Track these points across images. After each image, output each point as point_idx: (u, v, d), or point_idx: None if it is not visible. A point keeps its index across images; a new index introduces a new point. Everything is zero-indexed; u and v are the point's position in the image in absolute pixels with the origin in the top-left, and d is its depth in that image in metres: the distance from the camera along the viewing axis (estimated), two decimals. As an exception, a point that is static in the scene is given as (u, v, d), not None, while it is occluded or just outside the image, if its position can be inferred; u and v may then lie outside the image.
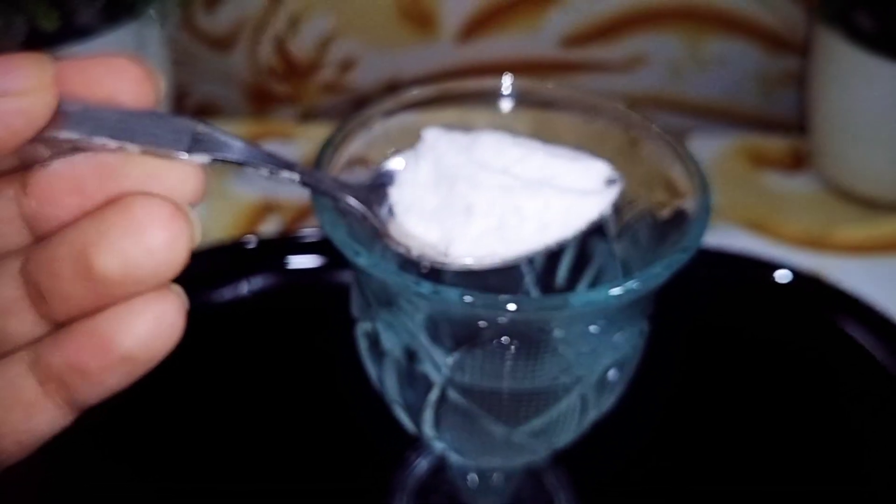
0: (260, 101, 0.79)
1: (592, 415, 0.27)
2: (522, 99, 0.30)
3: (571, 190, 0.23)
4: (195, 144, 0.20)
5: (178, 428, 0.43)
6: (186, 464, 0.41)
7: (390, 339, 0.25)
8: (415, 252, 0.23)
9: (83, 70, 0.19)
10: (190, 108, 0.79)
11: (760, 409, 0.44)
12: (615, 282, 0.21)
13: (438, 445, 0.29)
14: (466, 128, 0.26)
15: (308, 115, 0.79)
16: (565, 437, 0.28)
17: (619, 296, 0.21)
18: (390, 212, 0.24)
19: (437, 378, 0.25)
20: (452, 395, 0.25)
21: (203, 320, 0.49)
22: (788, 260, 0.53)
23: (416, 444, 0.42)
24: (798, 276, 0.50)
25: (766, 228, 0.59)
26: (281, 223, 0.60)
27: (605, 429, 0.36)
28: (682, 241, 0.24)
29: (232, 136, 0.21)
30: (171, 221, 0.18)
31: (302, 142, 0.69)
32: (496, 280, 0.32)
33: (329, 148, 0.26)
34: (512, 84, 0.30)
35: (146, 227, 0.18)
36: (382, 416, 0.30)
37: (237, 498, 0.40)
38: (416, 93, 0.29)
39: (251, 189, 0.64)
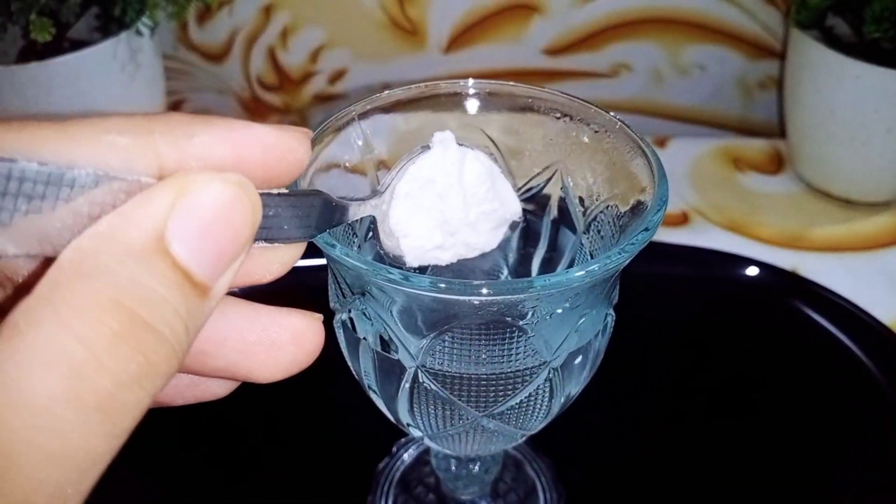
0: (253, 111, 0.80)
1: (561, 400, 0.28)
2: (492, 99, 0.32)
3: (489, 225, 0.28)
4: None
5: (162, 420, 0.44)
6: (170, 456, 0.42)
7: (365, 327, 0.26)
8: (398, 250, 0.25)
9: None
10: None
11: (735, 398, 0.46)
12: (564, 272, 0.22)
13: (416, 433, 0.30)
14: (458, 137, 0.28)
15: (300, 125, 0.80)
16: (535, 422, 0.29)
17: (580, 277, 0.23)
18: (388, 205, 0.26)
19: (409, 364, 0.26)
20: (424, 380, 0.26)
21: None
22: (766, 258, 0.54)
23: (400, 436, 0.43)
24: (770, 270, 0.52)
25: (745, 228, 0.60)
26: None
27: (584, 418, 0.37)
28: (638, 227, 0.26)
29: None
30: None
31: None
32: (473, 276, 0.33)
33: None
34: (482, 85, 0.31)
35: None
36: (367, 410, 0.32)
37: (223, 488, 0.41)
38: (386, 94, 0.30)
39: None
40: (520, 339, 0.25)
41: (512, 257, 0.34)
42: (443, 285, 0.22)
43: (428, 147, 0.27)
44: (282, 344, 0.21)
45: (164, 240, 0.16)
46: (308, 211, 0.21)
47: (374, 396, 0.29)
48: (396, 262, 0.26)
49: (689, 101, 0.76)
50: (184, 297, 0.16)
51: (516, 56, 0.74)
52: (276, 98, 0.79)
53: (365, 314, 0.26)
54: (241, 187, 0.17)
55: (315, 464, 0.42)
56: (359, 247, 0.31)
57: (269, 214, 0.19)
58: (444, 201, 0.27)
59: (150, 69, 0.61)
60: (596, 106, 0.30)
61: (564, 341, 0.26)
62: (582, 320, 0.26)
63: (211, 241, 0.17)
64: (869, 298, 0.50)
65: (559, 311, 0.25)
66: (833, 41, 0.57)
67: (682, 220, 0.61)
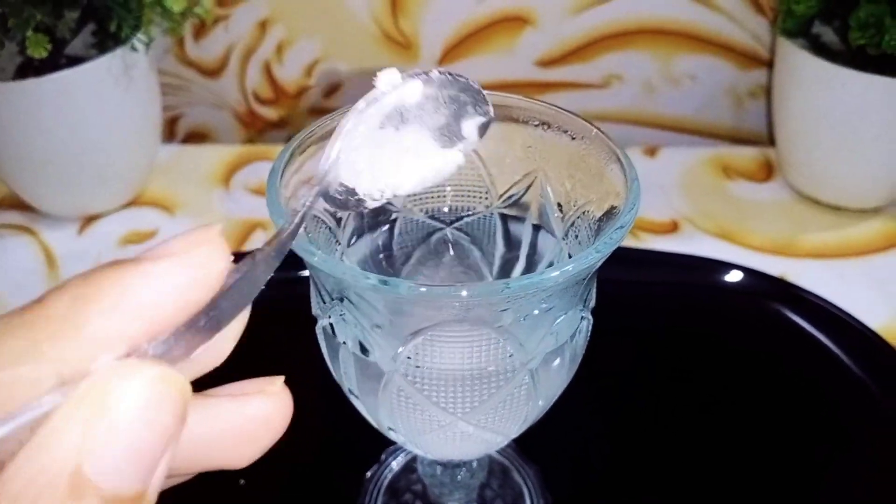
0: (249, 125, 0.81)
1: (539, 403, 0.29)
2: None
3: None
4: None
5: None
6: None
7: (344, 331, 0.27)
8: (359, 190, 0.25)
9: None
10: (182, 132, 0.81)
11: (722, 404, 0.46)
12: (540, 272, 0.23)
13: (397, 437, 0.30)
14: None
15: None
16: (513, 425, 0.29)
17: (554, 277, 0.23)
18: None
19: (388, 367, 0.26)
20: (402, 383, 0.27)
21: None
22: (756, 265, 0.55)
23: (388, 444, 0.43)
24: (757, 275, 0.52)
25: (735, 236, 0.60)
26: (265, 238, 0.62)
27: (571, 424, 0.38)
28: (612, 228, 0.26)
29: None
30: None
31: (287, 162, 0.72)
32: (458, 279, 0.34)
33: (285, 154, 0.28)
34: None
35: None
36: (354, 418, 0.32)
37: (212, 497, 0.41)
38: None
39: (239, 208, 0.66)
40: (496, 341, 0.26)
41: (496, 264, 0.34)
42: (422, 290, 0.22)
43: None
44: (252, 435, 0.20)
45: (82, 475, 0.14)
46: (257, 275, 0.19)
47: (355, 401, 0.30)
48: (359, 206, 0.25)
49: (680, 111, 0.76)
50: None
51: (509, 68, 0.75)
52: (271, 112, 0.80)
53: (344, 319, 0.26)
54: (162, 381, 0.15)
55: (304, 471, 0.42)
56: (342, 253, 0.32)
57: (213, 314, 0.18)
58: (383, 131, 0.25)
59: (145, 84, 0.62)
60: (573, 113, 0.30)
61: (541, 342, 0.26)
62: (558, 321, 0.26)
63: (137, 454, 0.15)
64: (858, 305, 0.51)
65: (535, 312, 0.25)
66: (820, 49, 0.57)
67: (672, 228, 0.62)
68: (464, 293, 0.22)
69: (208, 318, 0.18)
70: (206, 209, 0.66)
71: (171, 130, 0.81)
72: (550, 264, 0.32)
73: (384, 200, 0.25)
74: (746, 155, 0.70)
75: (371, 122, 0.25)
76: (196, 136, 0.82)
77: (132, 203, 0.67)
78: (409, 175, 0.26)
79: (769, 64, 0.72)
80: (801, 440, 0.43)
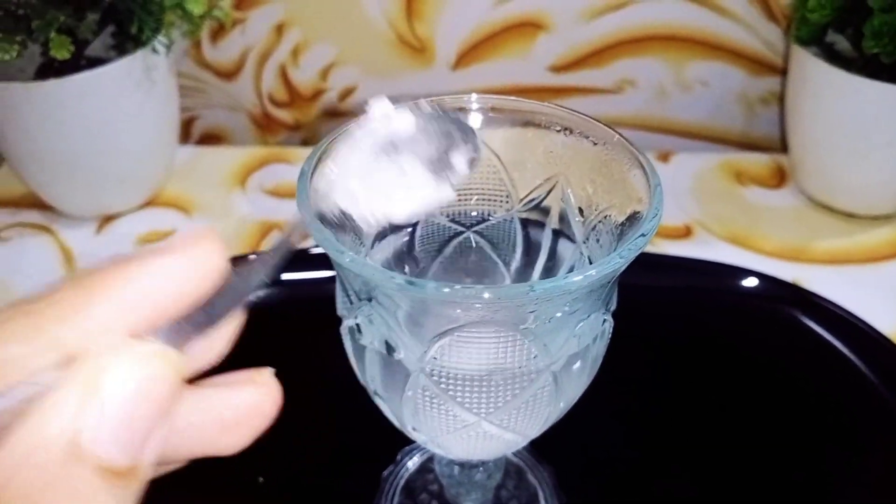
0: (265, 127, 0.82)
1: (560, 405, 0.29)
2: (495, 113, 0.33)
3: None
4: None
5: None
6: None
7: (371, 332, 0.27)
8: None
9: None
10: (198, 134, 0.82)
11: (736, 408, 0.46)
12: (564, 276, 0.23)
13: (419, 437, 0.31)
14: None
15: (310, 141, 0.82)
16: (535, 426, 0.30)
17: (578, 281, 0.23)
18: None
19: (413, 367, 0.27)
20: (427, 383, 0.27)
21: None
22: (769, 271, 0.55)
23: (405, 444, 0.44)
24: (770, 281, 0.52)
25: (748, 241, 0.61)
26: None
27: (586, 426, 0.38)
28: (636, 233, 0.27)
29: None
30: None
31: (301, 164, 0.72)
32: (478, 282, 0.34)
33: (314, 157, 0.29)
34: (485, 100, 0.32)
35: None
36: (372, 417, 0.33)
37: (228, 496, 0.42)
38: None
39: (255, 209, 0.67)
40: (521, 343, 0.26)
41: (514, 266, 0.35)
42: (446, 290, 0.23)
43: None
44: (241, 421, 0.20)
45: (78, 445, 0.15)
46: (252, 279, 0.20)
47: (379, 401, 0.30)
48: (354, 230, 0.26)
49: (692, 117, 0.77)
50: (112, 491, 0.15)
51: (522, 72, 0.75)
52: (286, 114, 0.81)
53: (371, 320, 0.27)
54: (157, 356, 0.16)
55: (321, 471, 0.43)
56: (366, 255, 0.32)
57: (208, 313, 0.19)
58: (377, 159, 0.26)
59: (164, 86, 0.62)
60: (595, 119, 0.31)
61: (564, 345, 0.27)
62: (580, 325, 0.27)
63: (131, 425, 0.16)
64: (870, 311, 0.51)
65: (558, 314, 0.26)
66: (833, 57, 0.58)
67: (685, 233, 0.62)
68: (489, 295, 0.23)
69: (205, 314, 0.19)
70: (223, 210, 0.67)
71: (186, 132, 0.82)
72: (570, 268, 0.33)
73: (378, 227, 0.26)
74: (759, 161, 0.70)
75: (365, 148, 0.26)
76: (211, 138, 0.83)
77: (150, 203, 0.67)
78: (402, 204, 0.26)
79: (781, 71, 0.72)
80: (814, 445, 0.44)
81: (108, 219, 0.66)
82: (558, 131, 0.32)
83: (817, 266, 0.58)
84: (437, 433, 0.30)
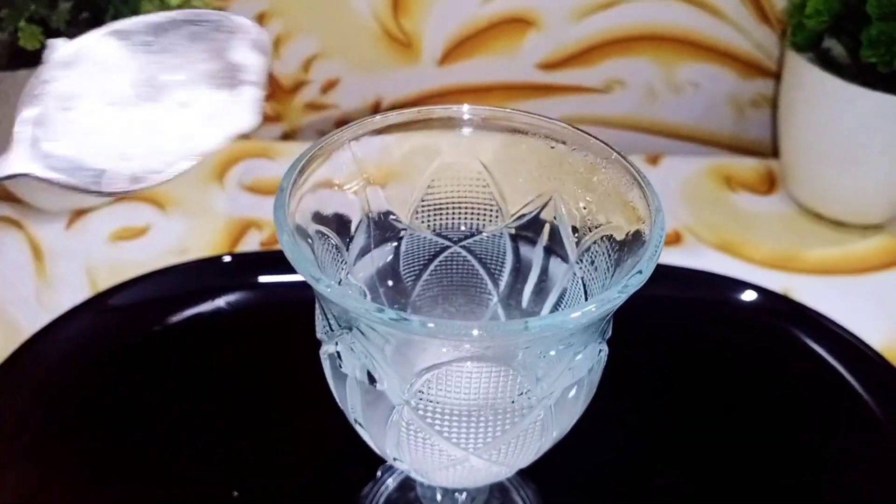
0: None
1: (552, 436, 0.28)
2: (486, 124, 0.31)
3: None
4: None
5: (150, 438, 0.43)
6: (158, 473, 0.42)
7: (351, 361, 0.26)
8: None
9: None
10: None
11: (725, 423, 0.45)
12: (573, 307, 0.22)
13: (402, 466, 0.29)
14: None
15: (291, 135, 0.80)
16: (525, 458, 0.28)
17: (576, 319, 0.22)
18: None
19: (397, 401, 0.25)
20: (412, 417, 0.26)
21: (179, 335, 0.50)
22: (758, 279, 0.54)
23: (384, 461, 0.42)
24: (762, 293, 0.51)
25: (737, 249, 0.60)
26: (260, 239, 0.61)
27: (572, 444, 0.37)
28: (636, 264, 0.25)
29: None
30: None
31: (282, 160, 0.70)
32: (462, 301, 0.33)
33: (293, 172, 0.27)
34: (476, 111, 0.31)
35: None
36: (350, 434, 0.31)
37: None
38: (379, 118, 0.30)
39: (233, 206, 0.65)
40: (513, 378, 0.25)
41: (503, 284, 0.33)
42: (432, 325, 0.21)
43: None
44: None
45: None
46: None
47: (359, 429, 0.29)
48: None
49: (682, 119, 0.75)
50: None
51: (510, 70, 0.74)
52: (267, 106, 0.78)
53: (352, 349, 0.25)
54: None
55: (298, 489, 0.41)
56: (347, 272, 0.30)
57: None
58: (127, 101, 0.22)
59: (139, 77, 0.60)
60: (591, 135, 0.29)
61: (558, 379, 0.25)
62: (576, 357, 0.25)
63: None
64: (859, 322, 0.50)
65: (553, 352, 0.24)
66: (829, 63, 0.57)
67: (675, 239, 0.61)
68: (478, 332, 0.21)
69: None
70: (199, 206, 0.65)
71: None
72: (563, 290, 0.31)
73: (171, 175, 0.22)
74: (749, 166, 0.69)
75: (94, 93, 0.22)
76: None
77: (123, 198, 0.65)
78: (199, 135, 0.22)
79: (772, 73, 0.71)
80: (806, 460, 0.43)
81: (79, 213, 0.63)
82: (553, 146, 0.30)
83: (806, 276, 0.57)
84: (422, 465, 0.28)
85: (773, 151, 0.70)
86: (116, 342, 0.48)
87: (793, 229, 0.62)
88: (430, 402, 0.25)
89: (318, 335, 0.28)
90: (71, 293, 0.55)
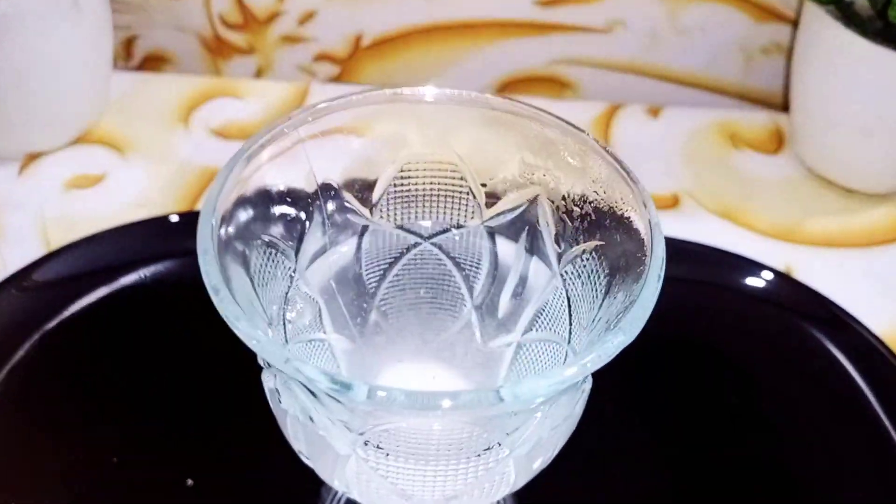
0: (215, 51, 0.74)
1: (526, 478, 0.24)
2: (463, 111, 0.27)
3: None
4: None
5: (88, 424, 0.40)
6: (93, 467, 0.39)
7: (291, 402, 0.22)
8: None
9: None
10: (140, 55, 0.74)
11: (724, 427, 0.42)
12: (550, 373, 0.18)
13: (353, 497, 0.26)
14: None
15: (264, 70, 0.74)
16: (496, 497, 0.25)
17: (570, 376, 0.19)
18: None
19: (344, 451, 0.22)
20: (363, 469, 0.22)
21: (120, 300, 0.46)
22: (759, 249, 0.50)
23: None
24: (787, 283, 0.47)
25: (739, 215, 0.56)
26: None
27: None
28: (629, 297, 0.21)
29: None
30: None
31: (253, 101, 0.65)
32: (432, 308, 0.29)
33: (228, 170, 0.23)
34: (450, 95, 0.26)
35: None
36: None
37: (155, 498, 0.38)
38: (335, 102, 0.25)
39: (198, 152, 0.60)
40: (479, 434, 0.21)
41: (477, 288, 0.29)
42: (382, 394, 0.17)
43: None
44: None
45: None
46: None
47: (306, 461, 0.25)
48: None
49: (686, 64, 0.70)
50: None
51: (505, 5, 0.68)
52: (239, 38, 0.72)
53: (289, 387, 0.22)
54: None
55: (257, 469, 0.38)
56: (297, 279, 0.26)
57: None
58: None
59: (95, 17, 0.55)
60: (588, 134, 0.25)
61: (533, 429, 0.22)
62: (555, 405, 0.22)
63: None
64: (861, 298, 0.47)
65: (531, 407, 0.21)
66: (852, 19, 0.51)
67: (672, 202, 0.57)
68: (447, 405, 0.17)
69: None
70: (161, 151, 0.60)
71: (127, 52, 0.73)
72: (544, 303, 0.27)
73: None
74: (756, 122, 0.64)
75: None
76: (155, 60, 0.75)
77: (80, 140, 0.60)
78: None
79: (789, 20, 0.65)
80: (814, 472, 0.39)
81: (32, 157, 0.58)
82: (540, 140, 0.26)
83: (810, 247, 0.54)
84: (375, 502, 0.25)
85: (784, 104, 0.65)
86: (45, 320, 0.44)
87: (798, 194, 0.58)
88: (384, 456, 0.22)
89: (260, 361, 0.25)
90: (22, 249, 0.51)
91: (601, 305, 0.24)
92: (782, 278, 0.47)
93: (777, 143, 0.62)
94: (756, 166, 0.60)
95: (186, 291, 0.45)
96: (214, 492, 0.38)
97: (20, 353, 0.41)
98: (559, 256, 0.27)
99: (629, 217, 0.23)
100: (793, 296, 0.46)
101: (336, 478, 0.24)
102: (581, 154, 0.25)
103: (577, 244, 0.26)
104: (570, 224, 0.26)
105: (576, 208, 0.26)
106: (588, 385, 0.25)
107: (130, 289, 0.46)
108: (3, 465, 0.38)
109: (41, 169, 0.58)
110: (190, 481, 0.40)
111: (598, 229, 0.25)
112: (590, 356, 0.19)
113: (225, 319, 0.18)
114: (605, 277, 0.24)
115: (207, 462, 0.39)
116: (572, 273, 0.26)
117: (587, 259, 0.25)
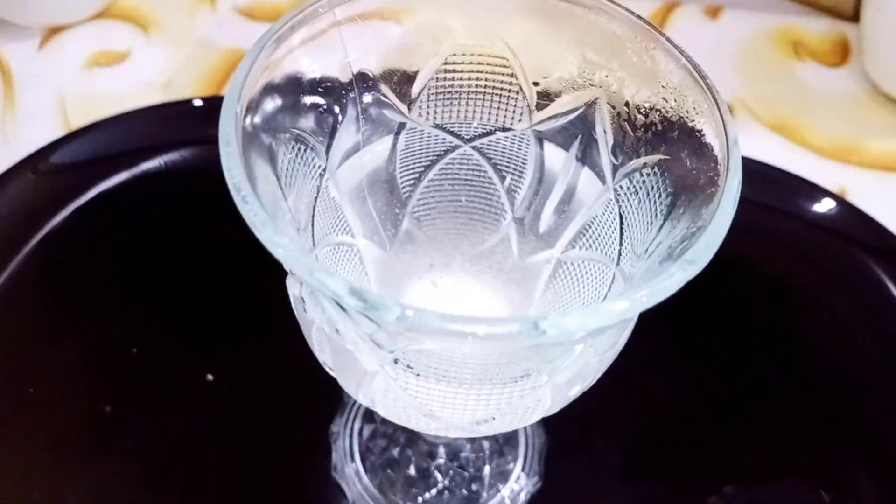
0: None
1: (561, 404, 0.23)
2: (519, -1, 0.24)
3: None
4: None
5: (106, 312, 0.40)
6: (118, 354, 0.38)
7: (317, 313, 0.21)
8: None
9: None
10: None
11: (770, 339, 0.39)
12: (599, 308, 0.16)
13: (377, 411, 0.25)
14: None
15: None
16: (525, 423, 0.24)
17: (621, 310, 0.16)
18: None
19: (371, 368, 0.20)
20: (392, 387, 0.21)
21: (139, 187, 0.44)
22: (813, 169, 0.47)
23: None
24: (826, 196, 0.44)
25: (794, 131, 0.52)
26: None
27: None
28: (696, 223, 0.19)
29: None
30: None
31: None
32: (468, 218, 0.27)
33: (254, 54, 0.20)
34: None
35: None
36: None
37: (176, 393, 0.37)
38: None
39: (223, 33, 0.57)
40: (517, 359, 0.19)
41: (519, 199, 0.27)
42: (412, 314, 0.15)
43: None
44: None
45: None
46: None
47: (329, 371, 0.24)
48: None
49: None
50: None
51: None
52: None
53: (316, 299, 0.20)
54: None
55: (278, 367, 0.37)
56: (329, 178, 0.24)
57: None
58: None
59: None
60: (665, 36, 0.22)
61: (574, 359, 0.20)
62: (598, 338, 0.20)
63: None
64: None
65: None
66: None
67: (724, 113, 0.53)
68: (482, 331, 0.15)
69: None
70: (185, 31, 0.57)
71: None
72: (593, 217, 0.25)
73: None
74: (821, 31, 0.60)
75: None
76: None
77: (102, 14, 0.57)
78: None
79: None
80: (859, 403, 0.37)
81: (53, 31, 0.56)
82: (605, 36, 0.23)
83: (867, 170, 0.50)
84: (403, 419, 0.24)
85: (854, 14, 0.60)
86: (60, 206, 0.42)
87: (860, 113, 0.54)
88: (414, 376, 0.20)
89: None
90: (39, 129, 0.49)
91: (661, 228, 0.21)
92: (840, 203, 0.44)
93: (842, 55, 0.58)
94: (817, 78, 0.56)
95: (210, 179, 0.44)
96: (233, 390, 0.38)
97: (35, 239, 0.40)
98: (615, 169, 0.24)
99: (702, 130, 0.21)
100: (849, 222, 0.43)
101: (361, 392, 0.22)
102: (651, 54, 0.22)
103: (638, 157, 0.23)
104: (631, 133, 0.23)
105: (640, 116, 0.23)
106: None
107: (152, 175, 0.44)
108: (23, 353, 0.38)
109: (61, 43, 0.55)
110: (210, 376, 0.39)
111: (664, 142, 0.22)
112: (647, 289, 0.16)
113: (247, 222, 0.16)
114: (667, 197, 0.22)
115: (227, 359, 0.38)
116: (628, 189, 0.24)
117: (647, 174, 0.23)
